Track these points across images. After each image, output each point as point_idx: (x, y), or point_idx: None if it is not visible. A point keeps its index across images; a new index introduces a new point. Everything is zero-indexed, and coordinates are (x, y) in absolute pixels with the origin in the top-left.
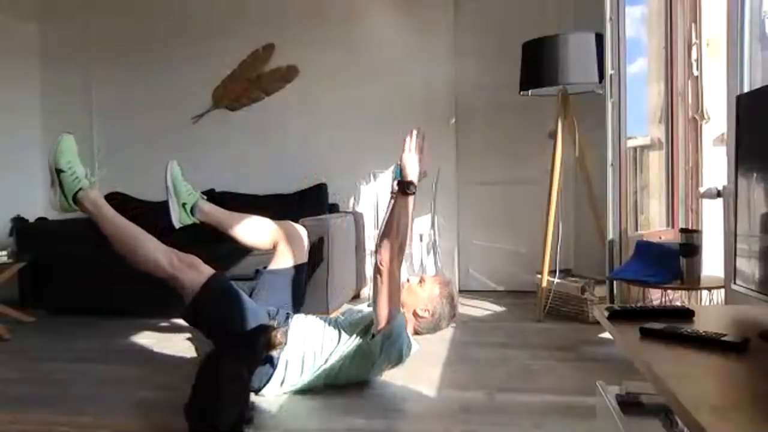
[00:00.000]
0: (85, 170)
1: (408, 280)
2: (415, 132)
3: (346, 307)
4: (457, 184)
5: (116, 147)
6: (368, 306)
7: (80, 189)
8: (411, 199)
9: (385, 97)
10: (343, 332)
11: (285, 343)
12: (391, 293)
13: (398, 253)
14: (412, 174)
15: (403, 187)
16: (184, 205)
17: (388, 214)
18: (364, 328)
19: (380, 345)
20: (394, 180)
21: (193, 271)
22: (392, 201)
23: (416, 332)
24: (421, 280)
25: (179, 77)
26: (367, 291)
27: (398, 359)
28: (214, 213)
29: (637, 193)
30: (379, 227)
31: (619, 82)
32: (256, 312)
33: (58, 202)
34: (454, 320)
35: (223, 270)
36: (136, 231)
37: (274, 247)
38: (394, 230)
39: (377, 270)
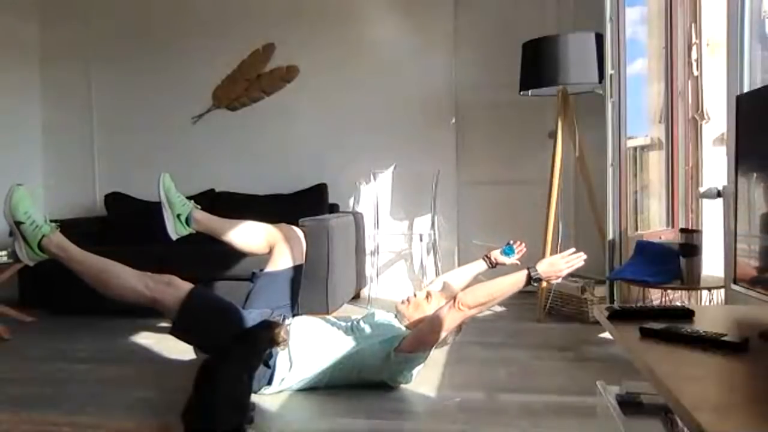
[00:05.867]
0: (44, 215)
1: (415, 295)
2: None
3: (346, 307)
4: (457, 184)
5: (116, 147)
6: (395, 317)
7: (43, 236)
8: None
9: (385, 97)
10: (355, 337)
11: (287, 342)
12: (438, 328)
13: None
14: (547, 275)
15: (530, 279)
16: (178, 216)
17: (502, 285)
18: (388, 339)
19: (400, 364)
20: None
21: (172, 289)
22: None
23: None
24: (428, 296)
25: (179, 77)
26: (366, 291)
27: (404, 380)
28: (208, 221)
29: (637, 193)
30: (480, 284)
31: (619, 82)
32: (246, 316)
33: (25, 253)
34: (459, 334)
35: (220, 272)
36: (106, 264)
37: (271, 250)
38: (495, 298)
39: (455, 306)
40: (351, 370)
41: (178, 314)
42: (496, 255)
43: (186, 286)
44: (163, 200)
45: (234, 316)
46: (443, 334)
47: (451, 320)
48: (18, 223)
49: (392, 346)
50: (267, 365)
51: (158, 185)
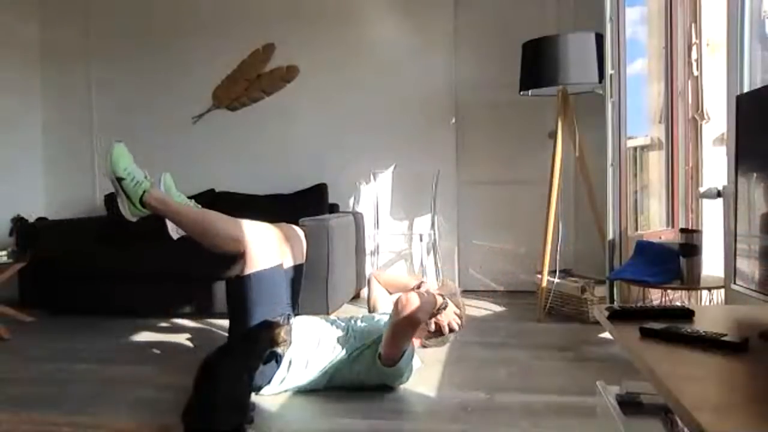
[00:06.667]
0: (143, 171)
1: (419, 289)
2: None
3: (346, 307)
4: (457, 184)
5: None
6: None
7: (144, 192)
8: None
9: (385, 96)
10: (353, 338)
11: (290, 342)
12: (407, 334)
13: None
14: (444, 317)
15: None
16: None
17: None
18: (376, 339)
19: (384, 373)
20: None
21: (257, 250)
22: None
23: (423, 346)
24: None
25: (179, 77)
26: (366, 291)
27: (400, 383)
28: None
29: (637, 193)
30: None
31: (619, 82)
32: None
33: (127, 209)
34: (461, 330)
35: (220, 271)
36: (205, 214)
37: None
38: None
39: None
40: (350, 372)
41: (246, 278)
42: (432, 288)
43: (272, 258)
44: None
45: (275, 311)
46: (405, 340)
47: (404, 322)
48: (119, 180)
49: (376, 352)
50: (276, 362)
51: (159, 185)
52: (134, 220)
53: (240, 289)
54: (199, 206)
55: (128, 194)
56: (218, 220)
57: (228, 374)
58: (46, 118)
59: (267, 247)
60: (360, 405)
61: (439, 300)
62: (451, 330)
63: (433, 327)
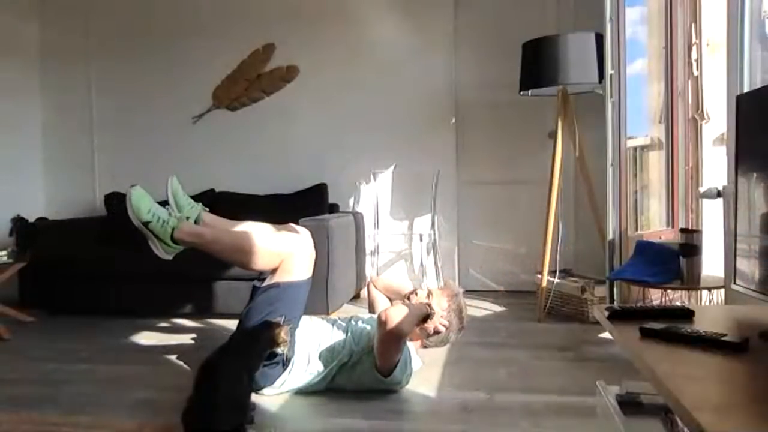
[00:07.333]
0: (167, 209)
1: (416, 293)
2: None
3: (346, 307)
4: (457, 184)
5: (116, 147)
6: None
7: (173, 229)
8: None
9: (385, 96)
10: (353, 341)
11: (292, 342)
12: (393, 347)
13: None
14: (432, 323)
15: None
16: (187, 218)
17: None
18: (372, 347)
19: (382, 381)
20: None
21: (299, 264)
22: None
23: (424, 346)
24: (429, 294)
25: (179, 77)
26: (366, 292)
27: (400, 386)
28: (218, 223)
29: (637, 193)
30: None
31: (619, 82)
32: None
33: (161, 249)
34: (462, 332)
35: (221, 272)
36: (242, 240)
37: None
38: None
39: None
40: (350, 377)
41: (278, 287)
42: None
43: (300, 270)
44: (171, 203)
45: (291, 318)
46: (395, 351)
47: (389, 336)
48: (146, 224)
49: (375, 360)
50: (282, 365)
51: (166, 188)
52: (170, 258)
53: (268, 297)
54: (207, 209)
55: (158, 235)
56: (259, 240)
57: (228, 374)
58: (46, 119)
59: (303, 261)
60: (360, 405)
61: (425, 309)
62: (437, 332)
63: (419, 332)
